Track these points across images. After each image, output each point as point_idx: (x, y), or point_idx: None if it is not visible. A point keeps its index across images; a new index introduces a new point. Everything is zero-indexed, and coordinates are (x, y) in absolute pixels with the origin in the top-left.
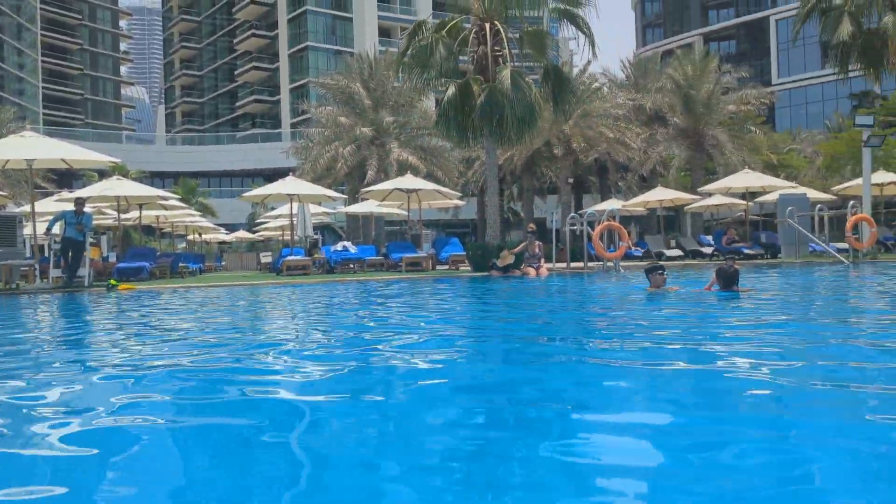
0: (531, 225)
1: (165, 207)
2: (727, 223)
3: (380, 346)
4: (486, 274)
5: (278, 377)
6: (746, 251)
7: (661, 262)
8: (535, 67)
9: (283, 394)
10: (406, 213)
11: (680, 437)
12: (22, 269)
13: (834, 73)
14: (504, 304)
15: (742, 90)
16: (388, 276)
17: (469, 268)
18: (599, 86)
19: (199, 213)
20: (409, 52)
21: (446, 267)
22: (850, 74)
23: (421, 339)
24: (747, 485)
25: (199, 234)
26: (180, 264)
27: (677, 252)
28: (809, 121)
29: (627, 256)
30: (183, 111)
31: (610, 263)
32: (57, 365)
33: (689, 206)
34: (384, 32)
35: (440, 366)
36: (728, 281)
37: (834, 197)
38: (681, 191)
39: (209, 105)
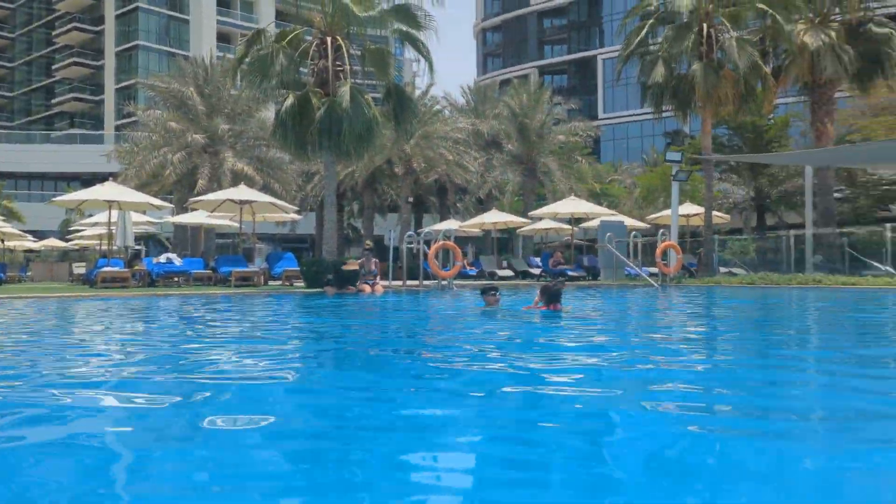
0: (368, 242)
1: None
2: (554, 246)
3: (181, 363)
4: (320, 290)
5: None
6: (570, 273)
7: (494, 282)
8: (377, 86)
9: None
10: (238, 225)
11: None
12: None
13: (650, 112)
14: (329, 320)
15: (571, 122)
16: (215, 290)
17: (303, 284)
18: (441, 109)
19: (1, 218)
20: (247, 59)
21: (279, 283)
22: (664, 114)
23: (233, 355)
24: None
25: (2, 241)
26: None
27: (509, 272)
28: (630, 154)
29: (462, 275)
30: None
31: (444, 282)
32: None
33: (521, 229)
34: (223, 38)
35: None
36: (551, 298)
37: (648, 225)
38: (514, 214)
39: (20, 100)
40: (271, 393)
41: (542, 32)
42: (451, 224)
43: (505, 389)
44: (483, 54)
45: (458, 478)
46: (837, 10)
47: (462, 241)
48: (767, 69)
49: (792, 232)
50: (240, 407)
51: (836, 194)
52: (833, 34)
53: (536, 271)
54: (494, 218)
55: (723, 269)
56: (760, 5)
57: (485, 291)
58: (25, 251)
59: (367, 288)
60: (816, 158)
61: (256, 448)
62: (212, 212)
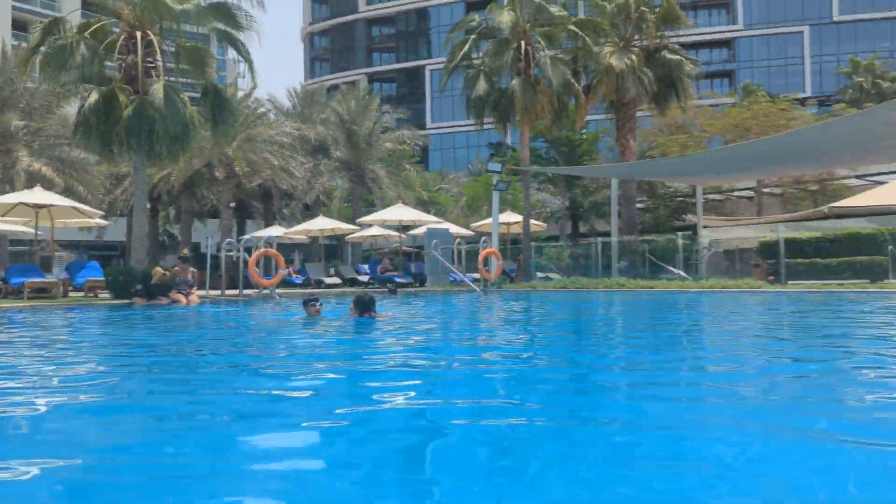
0: (185, 250)
1: None
2: (383, 253)
3: None
4: (127, 302)
5: None
6: (398, 280)
7: (318, 292)
8: (195, 85)
9: None
10: (34, 231)
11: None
12: None
13: (474, 124)
14: (128, 336)
15: (399, 130)
16: (5, 304)
17: (109, 295)
18: (265, 112)
19: None
20: (43, 48)
21: (82, 294)
22: (486, 126)
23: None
24: None
25: None
26: None
27: (336, 280)
28: (457, 164)
29: (288, 283)
30: None
31: (266, 291)
32: None
33: (350, 236)
34: (19, 26)
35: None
36: (364, 307)
37: (473, 233)
38: (342, 221)
39: None
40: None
41: (371, 40)
42: (276, 231)
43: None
44: (311, 58)
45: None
46: (638, 36)
47: (288, 248)
48: (579, 87)
49: (600, 239)
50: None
51: (638, 205)
52: (634, 58)
53: (365, 278)
54: (322, 224)
55: (540, 274)
56: (572, 27)
57: (306, 302)
58: None
59: (182, 298)
60: (620, 172)
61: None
62: (2, 216)
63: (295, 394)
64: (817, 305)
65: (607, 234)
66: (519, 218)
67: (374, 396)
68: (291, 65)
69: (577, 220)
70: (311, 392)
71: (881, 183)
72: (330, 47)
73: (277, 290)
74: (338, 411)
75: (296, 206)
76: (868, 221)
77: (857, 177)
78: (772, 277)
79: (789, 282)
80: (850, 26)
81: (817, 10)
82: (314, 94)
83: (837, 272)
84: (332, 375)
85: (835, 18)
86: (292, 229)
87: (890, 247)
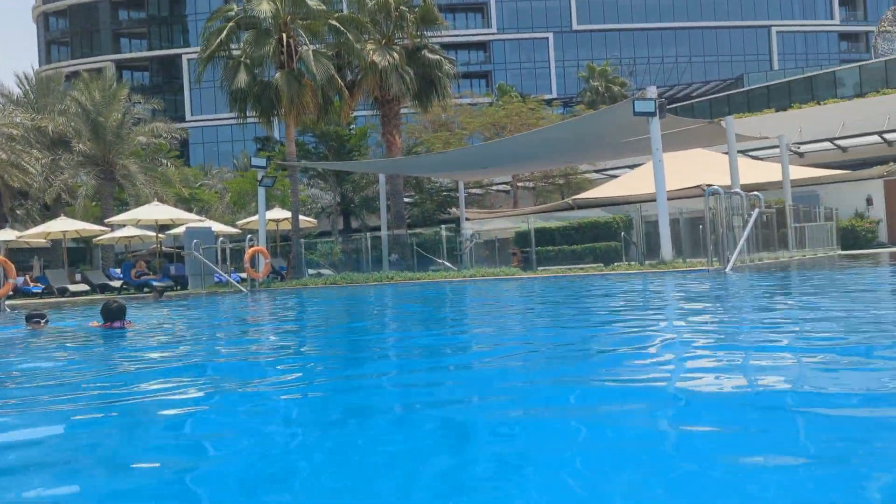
0: None
1: None
2: (137, 256)
3: None
4: None
5: None
6: (155, 283)
7: (62, 301)
8: None
9: None
10: None
11: None
12: None
13: (237, 118)
14: None
15: (154, 122)
16: None
17: None
18: None
19: None
20: None
21: None
22: (249, 120)
23: None
24: None
25: None
26: None
27: (84, 287)
28: (221, 158)
29: (25, 294)
30: None
31: None
32: None
33: (99, 238)
34: None
35: None
36: (113, 315)
37: (240, 230)
38: (90, 221)
39: None
40: None
41: (119, 24)
42: (8, 234)
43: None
44: (46, 41)
45: None
46: (399, 34)
47: (26, 253)
48: (343, 83)
49: (370, 234)
50: None
51: (406, 199)
52: (397, 56)
53: (117, 283)
54: (64, 226)
55: (312, 271)
56: (334, 22)
57: (29, 318)
58: None
59: None
60: (387, 167)
61: None
62: None
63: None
64: (552, 288)
65: (378, 228)
66: (288, 214)
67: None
68: (22, 48)
69: (349, 216)
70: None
71: (615, 176)
72: (69, 30)
73: (8, 302)
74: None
75: (32, 205)
76: (605, 211)
77: (597, 171)
78: (523, 264)
79: (539, 268)
80: (587, 35)
81: (558, 18)
82: (50, 82)
83: (581, 257)
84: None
85: (574, 27)
86: (28, 232)
87: (622, 233)
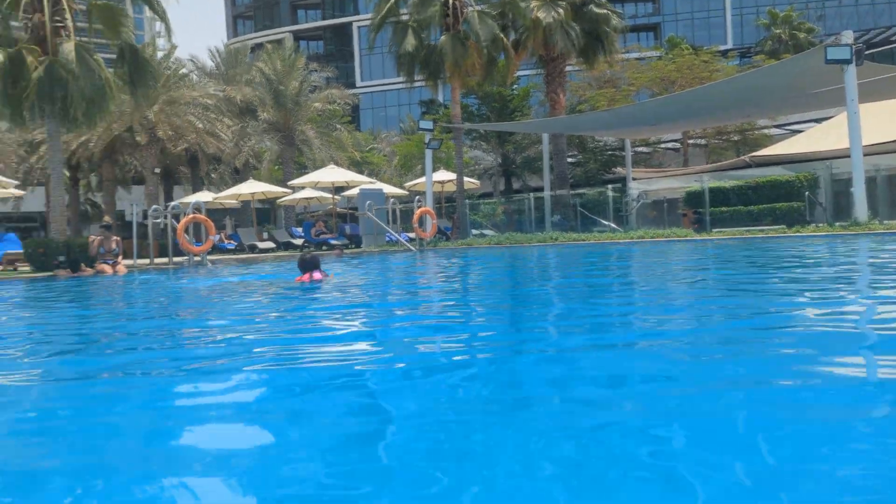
0: (106, 217)
1: None
2: (316, 216)
3: None
4: (50, 274)
5: None
6: (333, 242)
7: (252, 257)
8: (110, 45)
9: None
10: None
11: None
12: None
13: (404, 82)
14: (52, 308)
15: (328, 90)
16: None
17: (30, 268)
18: (187, 73)
19: None
20: None
21: (1, 268)
22: (416, 83)
23: None
24: None
25: None
26: None
27: (270, 244)
28: (388, 122)
29: (220, 250)
30: None
31: (197, 258)
32: None
33: (282, 200)
34: None
35: None
36: (308, 266)
37: (407, 192)
38: (273, 184)
39: None
40: None
41: None
42: (205, 196)
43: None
44: (233, 16)
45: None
46: None
47: (219, 213)
48: (508, 42)
49: (533, 194)
50: None
51: (569, 159)
52: (562, 11)
53: (299, 242)
54: (252, 188)
55: (475, 232)
56: None
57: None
58: None
59: (108, 268)
60: (551, 126)
61: None
62: None
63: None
64: (738, 250)
65: (540, 189)
66: (452, 176)
67: (325, 353)
68: (213, 23)
69: (511, 177)
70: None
71: (798, 132)
72: (253, 4)
73: (209, 257)
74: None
75: (224, 170)
76: (786, 169)
77: (777, 126)
78: (696, 225)
79: (713, 229)
80: None
81: None
82: (238, 54)
83: (759, 218)
84: (276, 336)
85: None
86: (222, 194)
87: (807, 193)
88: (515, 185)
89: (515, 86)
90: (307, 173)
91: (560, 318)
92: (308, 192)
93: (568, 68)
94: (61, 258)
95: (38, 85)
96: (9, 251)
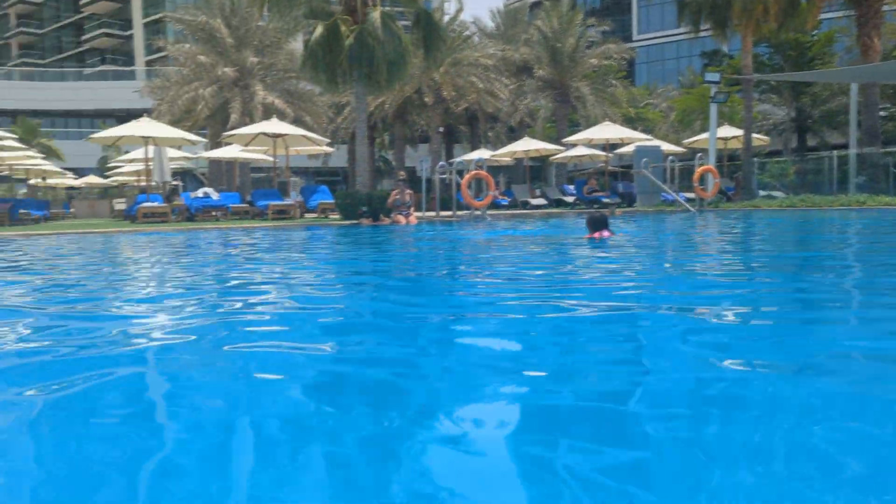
0: (401, 172)
1: (2, 148)
2: (589, 173)
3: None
4: (355, 222)
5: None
6: (605, 200)
7: (525, 213)
8: (405, 12)
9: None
10: (272, 158)
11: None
12: None
13: (687, 32)
14: (377, 250)
15: (605, 45)
16: (252, 224)
17: (338, 216)
18: (470, 35)
19: (41, 156)
20: None
21: (315, 215)
22: (701, 33)
23: (284, 285)
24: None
25: (43, 179)
26: (21, 210)
27: (542, 201)
28: (665, 76)
29: (493, 205)
30: (20, 42)
31: (478, 212)
32: None
33: (554, 157)
34: None
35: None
36: (597, 224)
37: (684, 149)
38: (546, 142)
39: (51, 37)
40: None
41: None
42: (483, 153)
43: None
44: None
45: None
46: None
47: (493, 170)
48: None
49: (836, 152)
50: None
51: (881, 112)
52: None
53: (570, 199)
54: (526, 146)
55: (762, 193)
56: None
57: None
58: (67, 188)
59: (402, 219)
60: (863, 74)
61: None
62: (245, 146)
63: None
64: None
65: (840, 146)
66: (736, 132)
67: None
68: None
69: (805, 133)
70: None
71: None
72: None
73: (488, 212)
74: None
75: (500, 128)
76: None
77: None
78: None
79: None
80: None
81: None
82: (517, 13)
83: None
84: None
85: None
86: (498, 151)
87: None
88: (811, 142)
89: (815, 31)
90: (580, 130)
91: None
92: (580, 150)
93: (885, 8)
94: (364, 208)
95: (349, 52)
96: (322, 201)
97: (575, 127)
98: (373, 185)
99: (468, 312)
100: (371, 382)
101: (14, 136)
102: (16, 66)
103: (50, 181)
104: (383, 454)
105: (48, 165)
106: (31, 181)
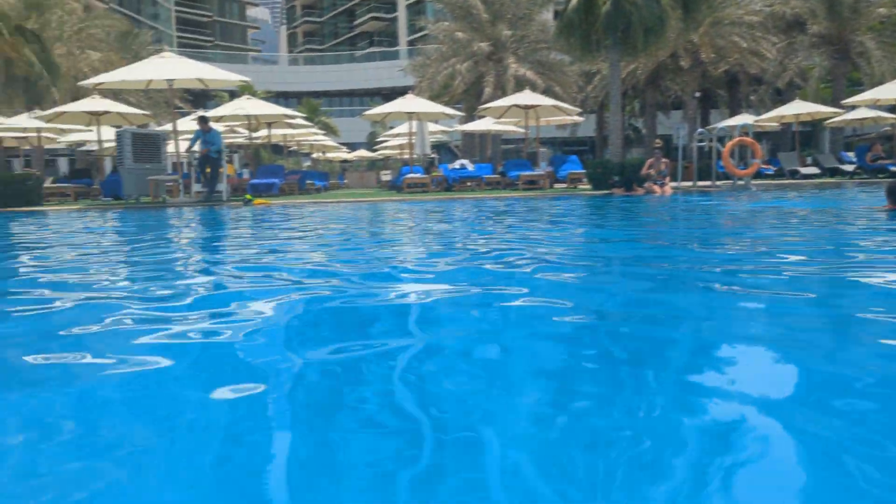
0: (658, 140)
1: (292, 126)
2: (872, 138)
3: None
4: (606, 192)
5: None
6: (892, 168)
7: (792, 183)
8: None
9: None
10: (524, 130)
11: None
12: (167, 183)
13: None
14: (633, 223)
15: None
16: (504, 193)
17: (588, 186)
18: None
19: (322, 132)
20: None
21: (564, 185)
22: None
23: (539, 256)
24: None
25: (323, 153)
26: (307, 181)
27: (814, 170)
28: None
29: (757, 175)
30: (304, 31)
31: (741, 181)
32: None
33: (830, 121)
34: None
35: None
36: None
37: None
38: (820, 104)
39: (329, 24)
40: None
41: None
42: (746, 118)
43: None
44: None
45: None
46: None
47: (755, 137)
48: None
49: None
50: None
51: None
52: None
53: (849, 168)
54: (797, 109)
55: None
56: None
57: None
58: (341, 161)
59: (657, 189)
60: None
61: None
62: (498, 118)
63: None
64: None
65: None
66: None
67: None
68: None
69: None
70: None
71: None
72: None
73: (752, 182)
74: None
75: (764, 91)
76: None
77: None
78: None
79: None
80: None
81: None
82: None
83: None
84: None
85: None
86: (763, 116)
87: None
88: None
89: None
90: (859, 91)
91: None
92: (862, 112)
93: None
94: (616, 177)
95: (604, 18)
96: (572, 171)
97: (854, 87)
98: (623, 154)
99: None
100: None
101: (301, 114)
102: (301, 52)
103: (329, 155)
104: None
105: (327, 141)
106: (314, 155)
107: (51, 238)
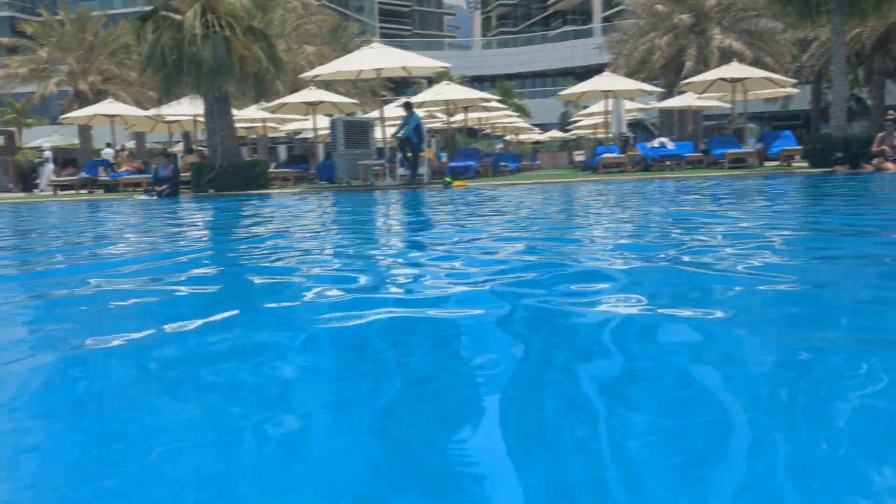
0: (890, 112)
1: (487, 109)
2: None
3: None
4: (827, 170)
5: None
6: None
7: None
8: None
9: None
10: (729, 105)
11: None
12: (374, 168)
13: None
14: (860, 206)
15: None
16: (708, 173)
17: (805, 164)
18: None
19: (515, 114)
20: None
21: (776, 163)
22: None
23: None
24: None
25: (516, 135)
26: (500, 163)
27: None
28: None
29: None
30: (498, 14)
31: None
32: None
33: None
34: None
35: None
36: None
37: None
38: None
39: (522, 6)
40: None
41: None
42: None
43: None
44: None
45: None
46: None
47: None
48: None
49: None
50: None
51: None
52: None
53: None
54: None
55: None
56: None
57: None
58: (533, 143)
59: (891, 166)
60: None
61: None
62: (700, 93)
63: None
64: None
65: None
66: None
67: None
68: None
69: None
70: None
71: None
72: None
73: None
74: None
75: None
76: None
77: None
78: None
79: None
80: None
81: None
82: None
83: None
84: None
85: None
86: None
87: None
88: None
89: None
90: None
91: None
92: None
93: None
94: (839, 154)
95: None
96: (785, 147)
97: None
98: (846, 129)
99: None
100: None
101: (496, 97)
102: (494, 35)
103: (521, 137)
104: None
105: (520, 122)
106: (507, 137)
107: (312, 214)
